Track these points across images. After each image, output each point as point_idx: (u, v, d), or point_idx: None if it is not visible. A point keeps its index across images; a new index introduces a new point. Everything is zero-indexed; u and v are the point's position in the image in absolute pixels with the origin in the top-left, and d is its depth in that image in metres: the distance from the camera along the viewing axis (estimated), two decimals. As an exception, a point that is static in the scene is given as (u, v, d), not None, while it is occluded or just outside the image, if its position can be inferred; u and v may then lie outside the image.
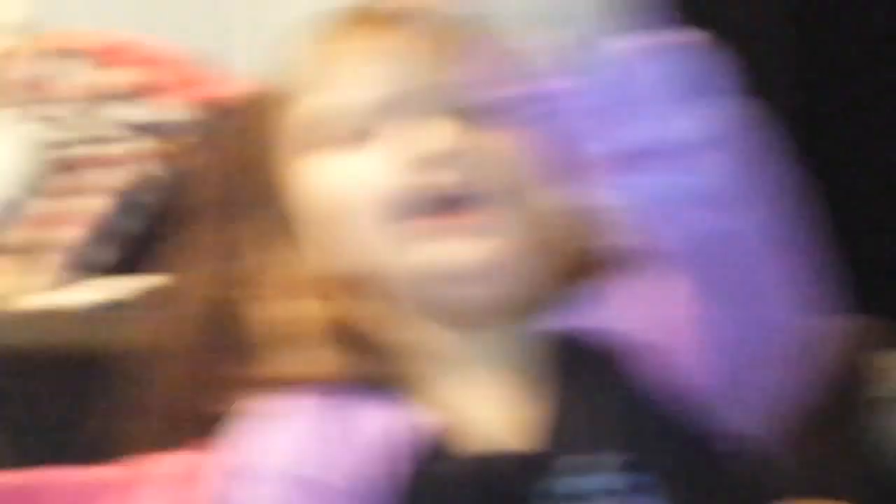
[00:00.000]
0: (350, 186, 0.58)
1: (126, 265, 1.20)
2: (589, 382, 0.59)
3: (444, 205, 0.56)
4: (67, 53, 1.23)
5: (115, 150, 1.19)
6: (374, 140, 0.58)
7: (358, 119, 0.59)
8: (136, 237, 1.21)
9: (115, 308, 1.15)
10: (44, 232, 1.17)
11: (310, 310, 0.61)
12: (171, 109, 1.21)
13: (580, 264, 0.61)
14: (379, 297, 0.59)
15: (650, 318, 0.59)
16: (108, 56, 1.24)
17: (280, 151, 0.64)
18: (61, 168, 1.20)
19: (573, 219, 0.59)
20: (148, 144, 1.20)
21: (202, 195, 1.03)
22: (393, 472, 0.58)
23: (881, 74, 1.61)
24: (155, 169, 1.19)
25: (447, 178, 0.57)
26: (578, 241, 0.62)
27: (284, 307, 0.61)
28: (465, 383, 0.60)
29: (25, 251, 1.21)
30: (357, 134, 0.59)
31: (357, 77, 0.59)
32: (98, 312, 1.16)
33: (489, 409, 0.60)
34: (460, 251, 0.56)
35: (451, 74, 0.59)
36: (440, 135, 0.57)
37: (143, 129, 1.21)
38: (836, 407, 1.09)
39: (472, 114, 0.59)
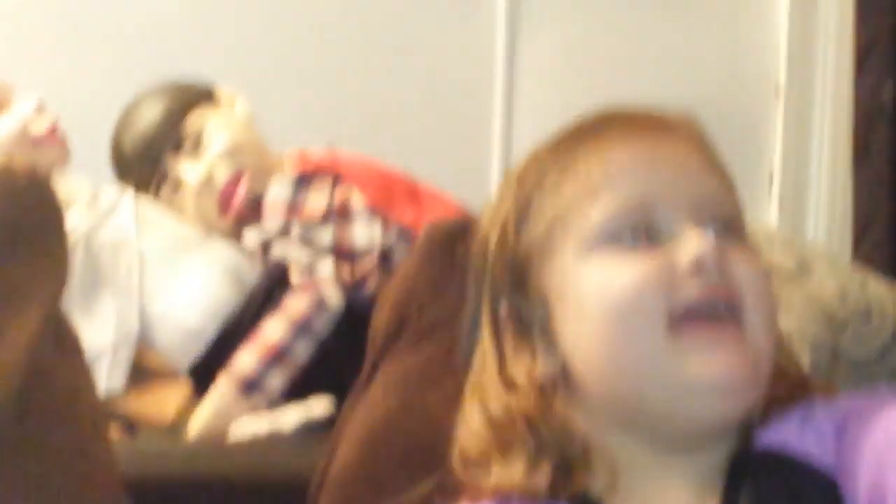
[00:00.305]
0: (625, 289, 0.58)
1: (309, 388, 1.20)
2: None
3: (714, 314, 0.57)
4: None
5: (311, 275, 1.21)
6: (648, 244, 0.59)
7: (634, 220, 0.60)
8: (315, 365, 1.22)
9: (306, 436, 1.17)
10: (235, 359, 1.18)
11: (514, 421, 0.61)
12: (362, 233, 1.23)
13: (794, 387, 0.62)
14: (607, 400, 0.60)
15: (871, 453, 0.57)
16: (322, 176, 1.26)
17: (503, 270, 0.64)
18: (267, 292, 1.23)
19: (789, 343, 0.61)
20: (328, 270, 1.21)
21: (375, 328, 1.01)
22: None
23: None
24: (332, 296, 1.20)
25: (716, 287, 0.57)
26: (796, 364, 0.65)
27: (487, 423, 0.62)
28: (655, 500, 0.60)
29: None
30: (640, 234, 0.60)
31: (636, 180, 0.61)
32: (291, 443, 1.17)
33: None
34: (726, 363, 0.56)
35: (711, 186, 0.61)
36: (709, 243, 0.58)
37: (328, 251, 1.22)
38: None
39: (726, 227, 0.60)
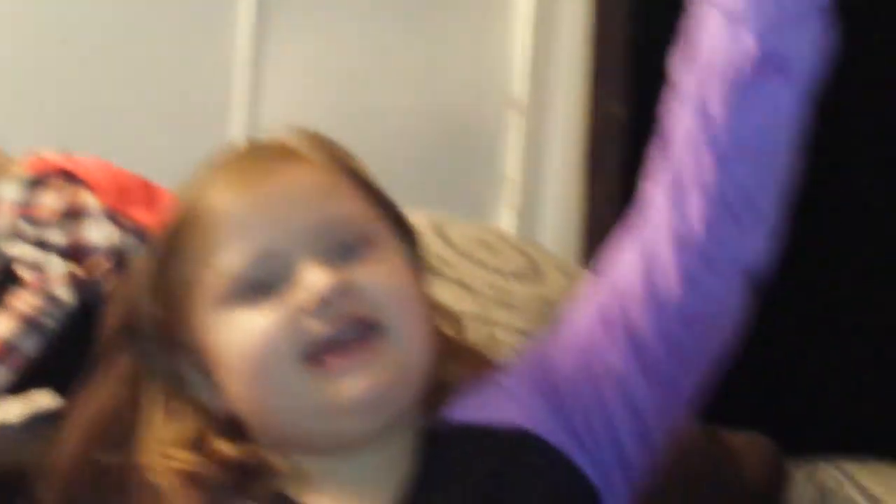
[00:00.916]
0: (266, 338, 0.62)
1: (33, 384, 1.20)
2: (451, 487, 0.64)
3: (347, 341, 0.61)
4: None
5: (39, 275, 1.21)
6: (274, 291, 0.63)
7: (255, 273, 0.64)
8: (40, 360, 1.21)
9: (28, 426, 1.18)
10: None
11: (183, 459, 0.66)
12: (96, 233, 1.24)
13: (476, 366, 0.69)
14: (270, 433, 0.65)
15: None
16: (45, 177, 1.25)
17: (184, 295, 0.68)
18: None
19: (436, 344, 0.66)
20: (60, 268, 1.22)
21: (106, 326, 1.00)
22: None
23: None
24: (69, 291, 1.21)
25: (342, 317, 0.61)
26: (473, 346, 0.72)
27: (165, 455, 0.67)
28: (332, 496, 0.65)
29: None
30: (267, 282, 0.64)
31: (250, 232, 0.65)
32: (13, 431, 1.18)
33: None
34: (364, 384, 0.61)
35: (331, 211, 0.65)
36: (323, 279, 0.62)
37: (61, 251, 1.22)
38: None
39: (353, 248, 0.64)
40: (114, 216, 1.24)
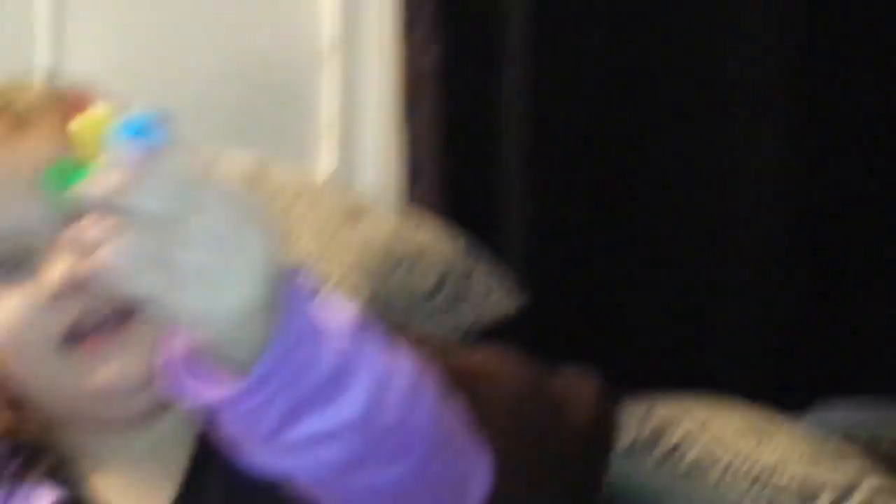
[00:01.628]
0: (20, 326, 0.60)
1: None
2: (209, 478, 0.64)
3: (99, 327, 0.59)
4: None
5: None
6: (22, 274, 0.60)
7: (11, 248, 0.60)
8: None
9: None
10: None
11: None
12: None
13: None
14: (42, 411, 0.64)
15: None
16: None
17: None
18: None
19: None
20: None
21: None
22: None
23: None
24: None
25: (75, 310, 0.59)
26: None
27: None
28: (113, 476, 0.66)
29: None
30: (11, 263, 0.60)
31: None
32: None
33: (127, 494, 0.65)
34: (116, 370, 0.59)
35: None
36: (61, 270, 0.58)
37: None
38: (576, 464, 1.18)
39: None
40: None
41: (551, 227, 1.34)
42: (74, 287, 0.58)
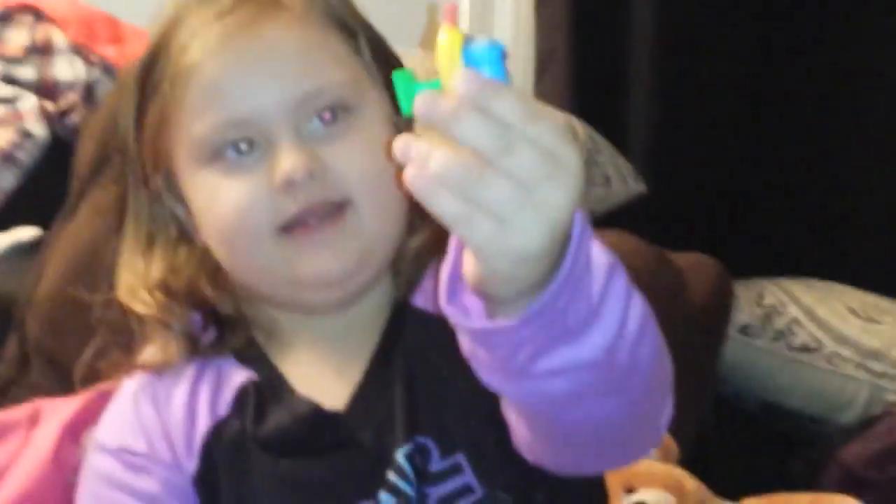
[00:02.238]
0: (240, 211, 0.63)
1: (11, 220, 1.24)
2: (413, 360, 0.66)
3: (309, 220, 0.62)
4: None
5: (15, 106, 1.24)
6: (252, 160, 0.63)
7: (245, 133, 0.62)
8: (18, 195, 1.25)
9: (9, 257, 1.20)
10: None
11: (154, 300, 0.68)
12: (65, 69, 1.26)
13: (409, 257, 0.68)
14: (248, 289, 0.66)
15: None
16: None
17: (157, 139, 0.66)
18: None
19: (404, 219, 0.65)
20: (35, 104, 1.24)
21: (89, 165, 1.11)
22: (189, 436, 0.66)
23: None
24: (43, 127, 1.24)
25: (310, 196, 0.61)
26: (409, 239, 0.68)
27: (133, 294, 0.68)
28: (311, 353, 0.68)
29: None
30: (244, 149, 0.63)
31: (231, 94, 0.63)
32: None
33: (328, 375, 0.67)
34: (325, 261, 0.62)
35: (313, 76, 0.63)
36: (300, 160, 0.61)
37: (32, 87, 1.25)
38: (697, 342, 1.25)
39: (335, 114, 0.63)
40: (81, 51, 1.26)
41: (674, 129, 1.43)
42: (305, 179, 0.62)
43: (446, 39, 0.44)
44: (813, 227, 1.47)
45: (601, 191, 1.34)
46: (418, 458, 0.66)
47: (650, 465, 1.14)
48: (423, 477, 0.65)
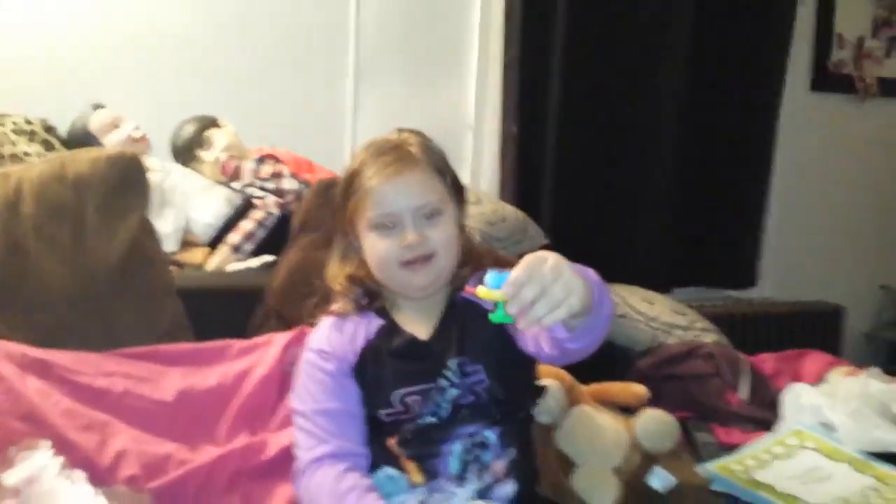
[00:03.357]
0: (385, 254, 1.17)
1: (261, 251, 2.06)
2: (460, 320, 1.19)
3: (415, 262, 1.17)
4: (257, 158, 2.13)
5: (265, 201, 2.11)
6: (393, 232, 1.16)
7: (391, 220, 1.16)
8: (265, 241, 2.09)
9: (260, 269, 1.97)
10: (229, 237, 2.07)
11: (343, 283, 1.23)
12: (291, 185, 2.14)
13: (478, 263, 1.23)
14: (385, 284, 1.22)
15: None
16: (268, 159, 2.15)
17: (347, 212, 1.18)
18: (243, 209, 2.11)
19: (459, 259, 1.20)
20: (274, 199, 2.12)
21: (298, 226, 1.95)
22: (359, 350, 1.20)
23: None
24: (277, 210, 2.11)
25: (417, 252, 1.16)
26: (477, 251, 1.25)
27: (335, 280, 1.24)
28: (412, 313, 1.23)
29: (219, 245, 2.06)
30: (390, 226, 1.16)
31: (389, 200, 1.15)
32: (253, 271, 1.99)
33: (420, 324, 1.22)
34: (421, 279, 1.19)
35: (425, 195, 1.16)
36: (416, 235, 1.15)
37: (276, 192, 2.14)
38: None
39: (432, 214, 1.16)
40: (294, 175, 2.16)
41: (565, 207, 2.43)
42: (416, 244, 1.13)
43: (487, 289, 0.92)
44: (618, 258, 2.46)
45: (527, 243, 2.26)
46: (461, 364, 1.17)
47: (547, 368, 1.53)
48: (463, 373, 1.17)
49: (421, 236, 1.17)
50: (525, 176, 2.47)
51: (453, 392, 1.17)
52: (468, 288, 0.96)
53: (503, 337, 1.16)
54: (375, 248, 1.18)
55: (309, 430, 1.19)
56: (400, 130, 1.23)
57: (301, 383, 1.23)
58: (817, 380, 1.92)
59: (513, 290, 0.89)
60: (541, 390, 1.45)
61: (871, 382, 1.70)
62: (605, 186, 2.55)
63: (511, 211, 2.30)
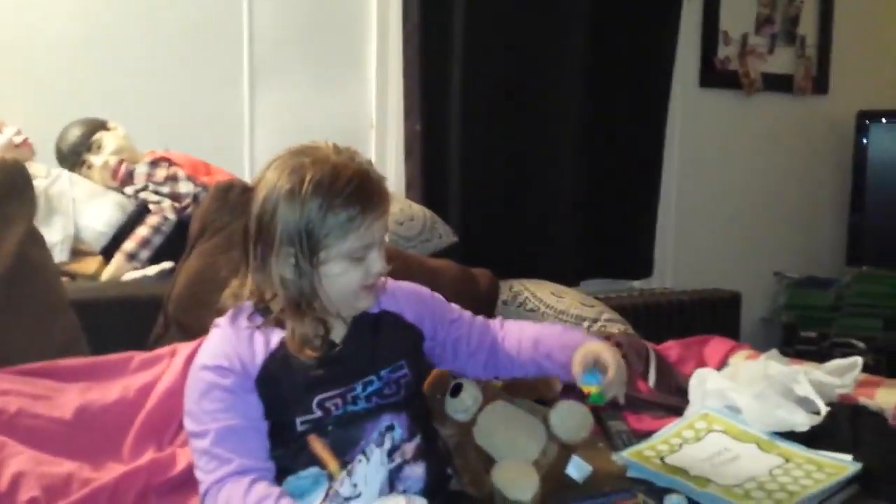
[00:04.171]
0: (354, 281, 1.20)
1: (159, 259, 2.03)
2: (376, 333, 1.27)
3: (375, 286, 1.24)
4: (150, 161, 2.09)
5: (160, 206, 2.08)
6: (361, 259, 1.20)
7: (360, 252, 1.19)
8: (162, 247, 2.06)
9: (159, 277, 1.97)
10: (124, 245, 2.03)
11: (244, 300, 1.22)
12: (188, 188, 2.12)
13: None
14: (328, 306, 1.22)
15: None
16: (162, 161, 2.11)
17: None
18: (137, 215, 2.07)
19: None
20: (170, 204, 2.09)
21: (196, 231, 1.96)
22: (261, 362, 1.19)
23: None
24: (174, 215, 2.08)
25: (371, 278, 1.22)
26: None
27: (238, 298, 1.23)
28: (337, 328, 1.24)
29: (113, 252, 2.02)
30: (357, 255, 1.19)
31: (374, 231, 1.19)
32: (151, 280, 1.97)
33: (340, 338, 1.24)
34: (372, 300, 1.26)
35: (385, 228, 1.24)
36: (384, 263, 1.22)
37: (172, 196, 2.11)
38: None
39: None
40: (191, 179, 2.13)
41: (472, 205, 2.51)
42: (384, 272, 1.21)
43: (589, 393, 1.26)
44: (527, 254, 2.55)
45: (436, 241, 2.32)
46: (394, 368, 1.26)
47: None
48: (393, 370, 1.26)
49: (387, 263, 1.23)
50: (431, 174, 2.49)
51: (375, 386, 1.22)
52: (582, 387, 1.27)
53: (415, 339, 1.30)
54: (346, 275, 1.20)
55: (209, 452, 1.16)
56: (349, 150, 1.23)
57: (195, 403, 1.19)
58: (720, 364, 2.00)
59: (611, 389, 1.26)
60: (457, 388, 1.47)
61: (771, 364, 1.77)
62: (512, 183, 2.60)
63: (418, 210, 2.32)
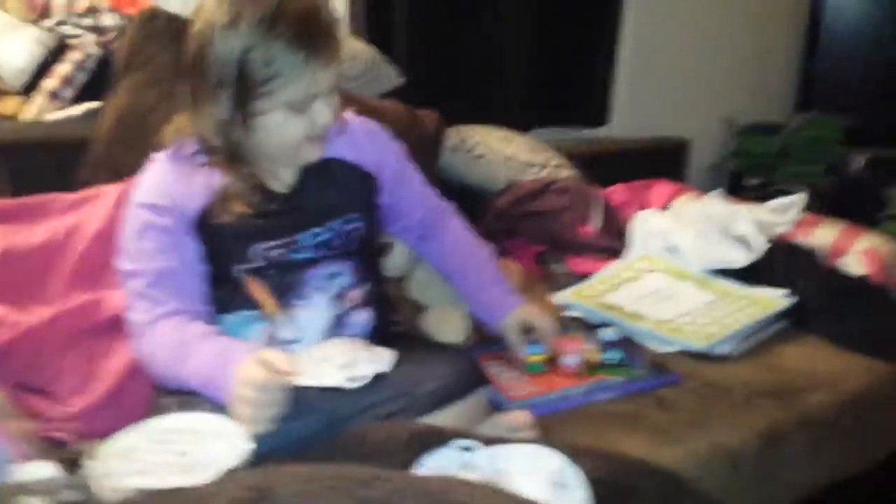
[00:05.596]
0: (296, 132, 1.09)
1: (83, 97, 1.88)
2: (329, 182, 1.18)
3: (320, 138, 1.14)
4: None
5: (82, 40, 1.93)
6: (305, 110, 1.08)
7: (304, 98, 1.06)
8: (86, 85, 1.92)
9: (84, 117, 1.83)
10: (45, 83, 1.90)
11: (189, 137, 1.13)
12: (112, 20, 1.96)
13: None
14: (268, 157, 1.15)
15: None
16: None
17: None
18: (58, 51, 1.92)
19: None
20: (93, 38, 1.94)
21: (122, 66, 1.80)
22: (201, 204, 1.11)
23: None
24: (98, 50, 1.93)
25: (318, 128, 1.11)
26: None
27: (180, 133, 1.15)
28: (267, 170, 1.16)
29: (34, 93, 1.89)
30: (301, 105, 1.07)
31: (320, 80, 1.06)
32: (76, 120, 1.83)
33: (275, 178, 1.17)
34: (319, 152, 1.16)
35: (337, 69, 1.09)
36: (331, 114, 1.10)
37: (95, 29, 1.96)
38: None
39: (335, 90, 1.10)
40: (115, 10, 1.98)
41: (422, 48, 2.36)
42: (330, 124, 1.08)
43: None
44: (477, 99, 2.44)
45: (383, 83, 2.19)
46: (346, 220, 1.20)
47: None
48: (346, 222, 1.20)
49: (333, 114, 1.12)
50: (376, 10, 2.33)
51: (323, 237, 1.17)
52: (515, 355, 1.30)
53: (371, 190, 1.23)
54: (287, 127, 1.09)
55: (143, 293, 1.12)
56: None
57: (130, 241, 1.14)
58: (664, 207, 1.99)
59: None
60: (387, 247, 1.47)
61: (712, 203, 1.75)
62: (463, 27, 2.46)
63: (362, 48, 2.18)
